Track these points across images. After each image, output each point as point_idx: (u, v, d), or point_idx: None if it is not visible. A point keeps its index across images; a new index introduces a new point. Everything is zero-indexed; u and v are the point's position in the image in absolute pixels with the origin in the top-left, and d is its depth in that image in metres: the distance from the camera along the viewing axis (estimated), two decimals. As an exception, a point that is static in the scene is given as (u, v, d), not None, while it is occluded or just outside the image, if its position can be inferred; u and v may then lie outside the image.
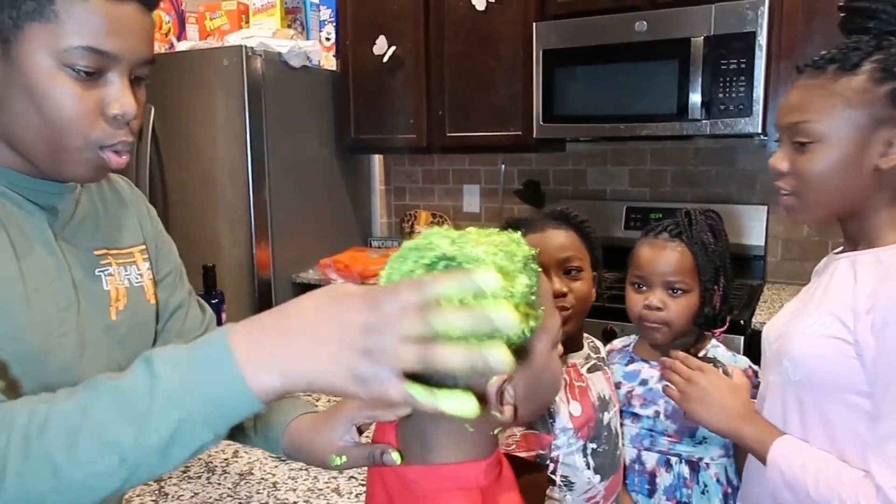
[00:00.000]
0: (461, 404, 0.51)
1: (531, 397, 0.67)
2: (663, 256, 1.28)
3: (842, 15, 0.98)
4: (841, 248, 1.05)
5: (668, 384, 1.15)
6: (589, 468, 1.25)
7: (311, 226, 3.00)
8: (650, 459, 1.30)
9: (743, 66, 2.22)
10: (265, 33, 2.81)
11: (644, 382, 1.34)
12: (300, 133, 2.92)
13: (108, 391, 0.53)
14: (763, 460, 0.98)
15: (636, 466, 1.31)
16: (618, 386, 1.34)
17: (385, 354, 0.50)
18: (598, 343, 1.40)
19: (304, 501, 1.09)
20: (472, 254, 0.59)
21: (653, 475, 1.30)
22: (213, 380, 0.53)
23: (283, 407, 0.86)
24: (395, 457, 0.68)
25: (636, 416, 1.32)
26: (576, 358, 1.27)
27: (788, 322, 1.03)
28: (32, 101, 0.69)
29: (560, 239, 1.24)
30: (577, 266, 1.23)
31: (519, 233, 0.66)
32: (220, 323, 1.31)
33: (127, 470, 0.53)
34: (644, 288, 1.30)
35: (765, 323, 2.08)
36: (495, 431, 0.69)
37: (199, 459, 1.23)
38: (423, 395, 0.51)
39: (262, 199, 2.72)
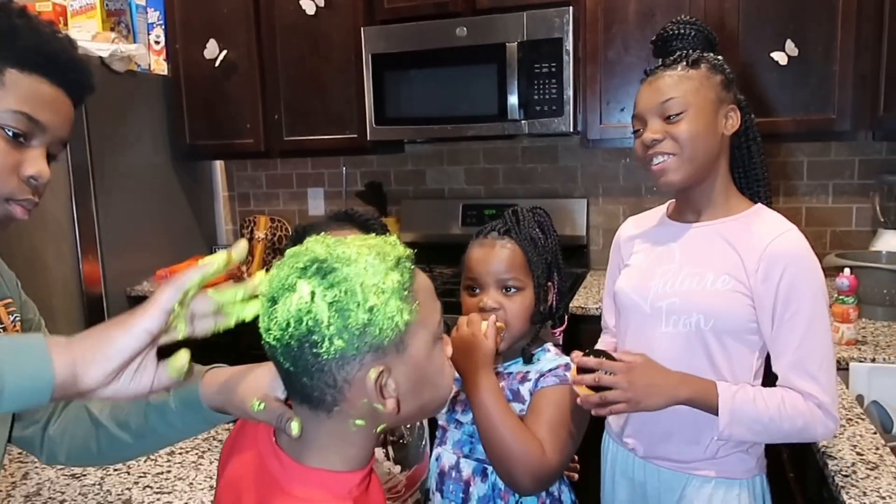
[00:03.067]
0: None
1: (415, 392, 0.70)
2: (494, 255, 1.25)
3: (657, 44, 1.29)
4: (667, 212, 1.33)
5: (591, 396, 1.13)
6: (389, 459, 1.30)
7: (147, 236, 2.89)
8: (467, 467, 1.27)
9: (553, 69, 2.38)
10: (84, 36, 2.68)
11: None
12: (130, 140, 2.81)
13: None
14: (712, 409, 1.13)
15: (453, 473, 1.28)
16: None
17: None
18: None
19: (91, 516, 1.08)
20: (343, 254, 0.65)
21: (468, 484, 1.26)
22: (20, 349, 0.62)
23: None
24: (295, 428, 0.69)
25: (458, 422, 1.29)
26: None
27: (673, 283, 1.24)
28: None
29: None
30: None
31: (394, 236, 0.72)
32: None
33: None
34: (478, 291, 1.25)
35: (582, 307, 2.27)
36: (378, 429, 0.70)
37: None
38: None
39: (87, 210, 2.59)
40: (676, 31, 1.26)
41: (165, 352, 0.68)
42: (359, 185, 3.09)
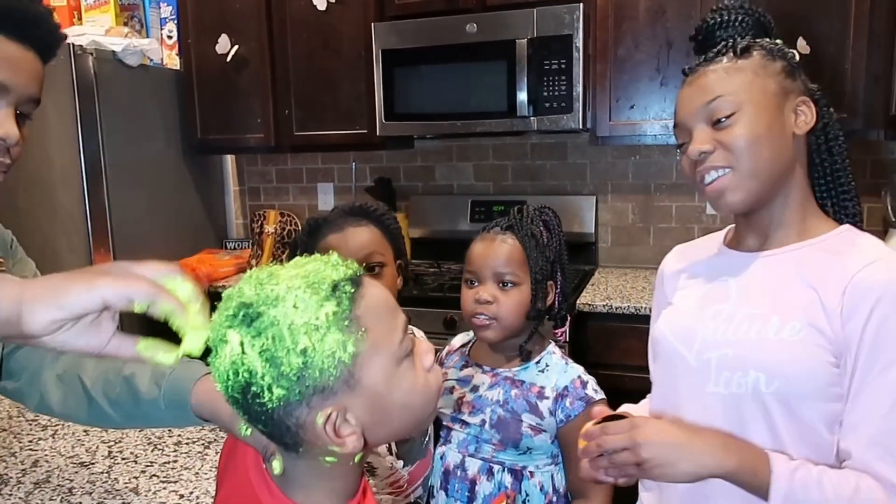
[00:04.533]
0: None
1: (382, 422, 0.65)
2: (493, 249, 1.26)
3: (698, 39, 1.02)
4: (725, 239, 1.05)
5: (601, 468, 0.92)
6: (391, 454, 1.31)
7: (159, 229, 2.91)
8: (472, 466, 1.27)
9: (563, 66, 2.38)
10: (98, 31, 2.70)
11: (475, 389, 1.30)
12: (142, 134, 2.83)
13: None
14: (760, 489, 0.85)
15: (458, 472, 1.28)
16: (451, 391, 1.32)
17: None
18: (420, 334, 1.42)
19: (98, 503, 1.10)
20: (270, 294, 0.60)
21: (473, 483, 1.26)
22: None
23: (188, 365, 0.87)
24: (277, 467, 0.67)
25: (464, 423, 1.29)
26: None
27: (727, 331, 0.95)
28: None
29: (360, 237, 1.27)
30: (380, 262, 1.27)
31: (335, 255, 0.65)
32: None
33: None
34: (476, 283, 1.27)
35: (589, 304, 2.27)
36: (356, 460, 0.67)
37: (-6, 473, 1.20)
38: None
39: (99, 202, 2.62)
40: (720, 20, 0.99)
41: (154, 328, 0.67)
42: (368, 180, 3.10)
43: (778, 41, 0.98)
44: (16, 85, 0.81)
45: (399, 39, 2.58)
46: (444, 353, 1.42)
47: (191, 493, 1.11)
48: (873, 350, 0.84)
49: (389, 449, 1.29)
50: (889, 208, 2.36)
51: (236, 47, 2.84)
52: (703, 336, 0.97)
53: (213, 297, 2.88)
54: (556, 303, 1.32)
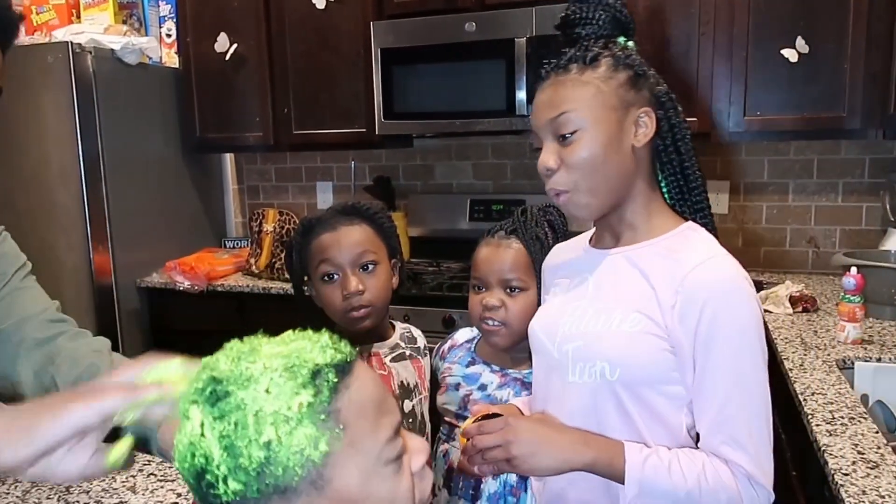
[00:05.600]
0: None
1: None
2: (498, 254, 1.26)
3: (562, 30, 1.04)
4: (591, 238, 1.10)
5: (474, 463, 0.99)
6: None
7: (157, 227, 2.91)
8: None
9: (562, 65, 2.37)
10: (97, 29, 2.70)
11: (483, 387, 1.31)
12: (141, 132, 2.83)
13: None
14: (618, 477, 0.93)
15: None
16: (457, 387, 1.33)
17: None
18: (417, 333, 1.42)
19: (96, 502, 1.10)
20: (245, 374, 0.54)
21: (478, 481, 1.26)
22: None
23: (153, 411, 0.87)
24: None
25: None
26: (380, 347, 1.31)
27: (580, 324, 1.02)
28: None
29: (353, 236, 1.27)
30: (373, 260, 1.26)
31: (327, 335, 0.59)
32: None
33: None
34: (483, 289, 1.28)
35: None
36: None
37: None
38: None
39: (97, 200, 2.62)
40: (580, 16, 1.00)
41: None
42: (367, 179, 3.10)
43: (629, 44, 1.01)
44: None
45: (398, 38, 2.58)
46: (447, 346, 1.42)
47: (188, 491, 1.11)
48: (706, 348, 0.93)
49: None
50: (887, 208, 2.36)
51: (235, 46, 2.84)
52: (563, 330, 1.04)
53: (211, 297, 2.86)
54: None
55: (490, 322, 1.26)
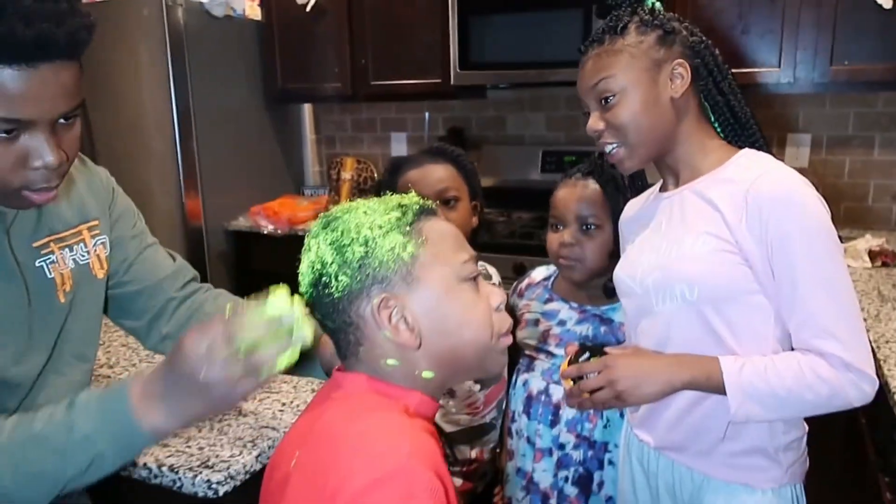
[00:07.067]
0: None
1: (440, 330, 0.72)
2: (575, 193, 1.32)
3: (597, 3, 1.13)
4: (659, 187, 1.18)
5: (585, 404, 1.09)
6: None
7: (242, 174, 3.07)
8: (557, 392, 1.32)
9: (641, 13, 2.35)
10: (186, -17, 2.82)
11: (562, 323, 1.36)
12: (226, 83, 2.97)
13: (35, 440, 0.74)
14: (719, 390, 1.00)
15: (542, 398, 1.34)
16: (536, 323, 1.39)
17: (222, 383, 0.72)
18: (492, 270, 1.52)
19: (211, 408, 1.23)
20: (348, 207, 0.75)
21: (557, 407, 1.32)
22: (116, 429, 0.74)
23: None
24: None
25: (550, 354, 1.35)
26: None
27: (656, 257, 1.09)
28: None
29: (437, 173, 1.36)
30: (455, 196, 1.36)
31: (413, 193, 0.78)
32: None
33: (57, 489, 0.75)
34: (560, 227, 1.33)
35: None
36: (423, 375, 0.73)
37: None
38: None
39: (189, 148, 2.78)
40: None
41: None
42: (440, 130, 3.16)
43: (657, 5, 1.08)
44: (39, 115, 0.74)
45: (475, -12, 2.59)
46: (525, 284, 1.49)
47: (292, 401, 1.23)
48: (781, 251, 0.98)
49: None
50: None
51: (315, -2, 2.92)
52: (642, 268, 1.12)
53: (292, 240, 3.00)
54: None
55: (567, 258, 1.32)
